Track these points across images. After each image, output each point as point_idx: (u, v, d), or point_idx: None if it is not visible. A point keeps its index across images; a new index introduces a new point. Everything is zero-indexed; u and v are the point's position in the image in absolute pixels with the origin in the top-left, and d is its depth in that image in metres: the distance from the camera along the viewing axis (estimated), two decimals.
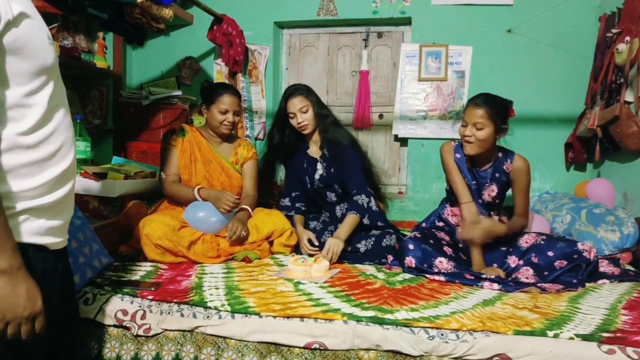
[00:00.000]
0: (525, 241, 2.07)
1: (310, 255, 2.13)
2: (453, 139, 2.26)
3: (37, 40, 0.98)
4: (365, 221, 2.28)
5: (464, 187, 2.10)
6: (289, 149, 2.54)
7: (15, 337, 0.94)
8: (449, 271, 1.94)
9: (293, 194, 2.51)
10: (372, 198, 2.36)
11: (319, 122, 2.43)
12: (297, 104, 2.38)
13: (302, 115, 2.38)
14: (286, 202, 2.50)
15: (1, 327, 0.93)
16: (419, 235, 2.08)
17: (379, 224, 2.35)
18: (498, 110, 1.99)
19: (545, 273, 1.93)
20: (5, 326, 0.93)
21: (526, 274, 1.96)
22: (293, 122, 2.41)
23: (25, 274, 0.94)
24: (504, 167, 2.11)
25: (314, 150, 2.52)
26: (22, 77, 0.96)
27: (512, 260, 2.04)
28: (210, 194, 2.20)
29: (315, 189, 2.50)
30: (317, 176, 2.47)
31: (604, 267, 2.12)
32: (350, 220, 2.24)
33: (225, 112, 2.29)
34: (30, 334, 0.96)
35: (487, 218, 2.03)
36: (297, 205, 2.49)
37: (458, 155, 2.15)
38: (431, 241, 2.05)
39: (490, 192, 2.13)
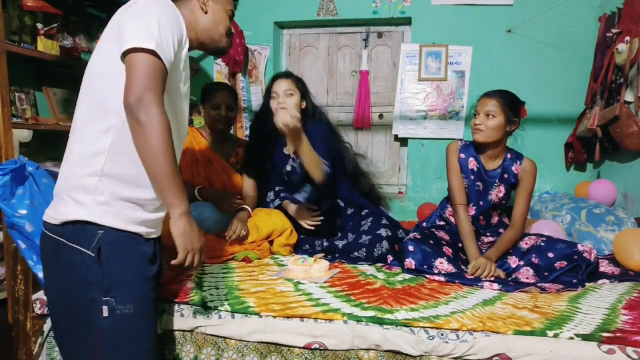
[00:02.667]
0: (525, 242, 2.07)
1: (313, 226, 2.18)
2: (453, 139, 2.26)
3: (183, 69, 1.26)
4: (325, 168, 2.05)
5: (461, 189, 2.11)
6: (266, 142, 2.35)
7: (190, 265, 1.21)
8: (449, 272, 1.95)
9: (277, 188, 2.41)
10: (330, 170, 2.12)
11: (304, 116, 2.20)
12: (283, 85, 2.23)
13: (284, 98, 2.20)
14: (271, 195, 2.40)
15: (184, 257, 1.19)
16: (419, 236, 2.07)
17: (340, 192, 2.31)
18: (509, 101, 2.02)
19: (546, 274, 1.93)
20: (187, 255, 1.19)
21: (526, 274, 1.96)
22: (273, 103, 2.21)
23: (193, 217, 1.21)
24: (513, 169, 2.10)
25: (290, 147, 2.31)
26: (167, 87, 1.19)
27: (512, 261, 2.04)
28: (211, 194, 2.20)
29: (296, 187, 2.38)
30: (287, 169, 2.34)
31: (604, 267, 2.12)
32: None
33: (217, 107, 2.29)
34: (199, 262, 1.23)
35: (485, 261, 1.95)
36: (282, 195, 2.38)
37: (463, 156, 2.14)
38: (431, 241, 2.05)
39: (498, 192, 2.12)
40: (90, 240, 1.16)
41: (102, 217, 1.16)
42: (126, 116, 1.11)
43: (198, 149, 2.34)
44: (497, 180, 2.11)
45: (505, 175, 2.10)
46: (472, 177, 2.13)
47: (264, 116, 2.29)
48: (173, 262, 1.18)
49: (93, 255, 1.15)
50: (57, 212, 1.18)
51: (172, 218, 1.16)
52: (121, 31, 1.13)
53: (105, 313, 1.16)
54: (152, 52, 1.10)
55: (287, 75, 2.32)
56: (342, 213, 2.41)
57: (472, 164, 2.13)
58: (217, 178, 2.34)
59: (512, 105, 2.02)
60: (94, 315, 1.16)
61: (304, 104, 2.29)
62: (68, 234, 1.17)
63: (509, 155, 2.12)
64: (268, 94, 2.28)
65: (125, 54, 1.11)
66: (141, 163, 1.16)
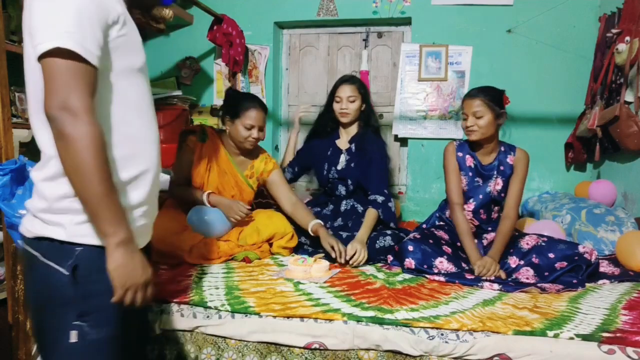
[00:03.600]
0: (526, 242, 2.08)
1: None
2: (453, 139, 2.27)
3: (132, 42, 1.08)
4: (380, 214, 2.33)
5: (458, 189, 2.15)
6: (320, 131, 2.63)
7: (132, 303, 1.03)
8: (449, 272, 1.95)
9: (296, 168, 2.66)
10: (388, 198, 2.41)
11: (361, 117, 2.54)
12: (347, 91, 2.47)
13: (347, 103, 2.47)
14: (288, 170, 2.65)
15: (122, 294, 1.01)
16: (419, 236, 2.08)
17: (392, 224, 2.39)
18: (493, 96, 2.07)
19: (546, 274, 1.93)
20: (126, 293, 1.01)
21: (526, 275, 1.96)
22: (336, 106, 2.50)
23: (137, 246, 1.04)
24: (508, 160, 2.15)
25: (342, 142, 2.58)
26: (115, 75, 1.04)
27: (513, 261, 2.04)
28: (221, 201, 2.14)
29: (330, 179, 2.55)
30: (338, 167, 2.52)
31: (604, 267, 2.12)
32: (370, 215, 2.29)
33: (250, 128, 2.17)
34: (144, 299, 1.05)
35: (491, 260, 1.97)
36: (291, 176, 2.67)
37: (460, 154, 2.18)
38: (430, 241, 2.06)
39: (497, 185, 2.15)
40: (66, 257, 1.03)
41: (81, 237, 1.04)
42: (51, 128, 0.95)
43: (215, 157, 2.24)
44: (494, 173, 2.15)
45: (502, 168, 2.15)
46: (471, 173, 2.17)
47: (324, 113, 2.61)
48: (113, 299, 1.01)
49: (68, 274, 1.02)
50: (33, 227, 1.06)
51: (107, 249, 1.00)
52: (32, 30, 0.96)
53: (74, 339, 1.03)
54: (71, 53, 0.94)
55: (352, 81, 2.52)
56: (357, 214, 2.47)
57: (469, 161, 2.17)
58: (228, 190, 2.27)
59: (495, 100, 2.07)
60: (61, 338, 1.03)
61: (363, 107, 2.53)
62: (43, 248, 1.04)
63: (502, 149, 2.17)
64: (332, 95, 2.54)
65: (40, 58, 0.95)
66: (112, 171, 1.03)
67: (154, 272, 1.07)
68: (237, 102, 2.21)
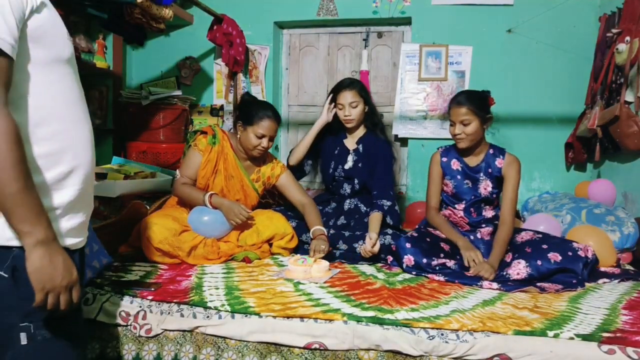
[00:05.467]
0: (521, 237, 2.11)
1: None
2: (452, 140, 2.28)
3: (56, 31, 1.03)
4: (389, 220, 2.34)
5: (437, 196, 2.25)
6: (328, 131, 2.60)
7: (54, 307, 0.98)
8: (448, 268, 1.97)
9: (311, 157, 2.66)
10: (394, 201, 2.42)
11: (367, 120, 2.53)
12: (349, 97, 2.44)
13: (350, 109, 2.44)
14: (307, 163, 2.65)
15: (42, 297, 0.96)
16: (415, 234, 2.10)
17: (400, 227, 2.40)
18: (479, 103, 2.08)
19: (539, 262, 1.91)
20: (46, 296, 0.96)
21: (517, 268, 1.93)
22: (340, 113, 2.49)
23: (59, 246, 0.99)
24: (496, 163, 2.16)
25: (350, 142, 2.58)
26: (39, 67, 0.99)
27: (507, 256, 2.04)
28: (223, 203, 2.12)
29: (336, 177, 2.55)
30: (345, 166, 2.53)
31: (604, 266, 2.12)
32: (377, 217, 2.29)
33: (261, 137, 2.18)
34: (69, 303, 1.00)
35: (488, 266, 1.96)
36: (309, 168, 2.69)
37: (445, 159, 2.22)
38: (427, 239, 2.09)
39: (486, 186, 2.17)
40: (3, 258, 0.98)
41: (16, 239, 0.97)
42: None
43: (223, 161, 2.23)
44: (482, 174, 2.17)
45: (490, 170, 2.16)
46: (459, 176, 2.19)
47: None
48: (34, 304, 0.97)
49: (7, 276, 0.97)
50: None
51: (26, 249, 0.95)
52: None
53: (24, 340, 0.99)
54: None
55: (352, 86, 2.48)
56: (360, 214, 2.48)
57: (455, 165, 2.20)
58: (233, 193, 2.26)
59: (481, 106, 2.08)
60: (13, 344, 0.99)
61: (366, 109, 2.51)
62: None
63: (491, 151, 2.18)
64: (333, 100, 2.51)
65: None
66: (37, 168, 0.98)
67: (78, 274, 1.01)
68: (252, 109, 2.21)
